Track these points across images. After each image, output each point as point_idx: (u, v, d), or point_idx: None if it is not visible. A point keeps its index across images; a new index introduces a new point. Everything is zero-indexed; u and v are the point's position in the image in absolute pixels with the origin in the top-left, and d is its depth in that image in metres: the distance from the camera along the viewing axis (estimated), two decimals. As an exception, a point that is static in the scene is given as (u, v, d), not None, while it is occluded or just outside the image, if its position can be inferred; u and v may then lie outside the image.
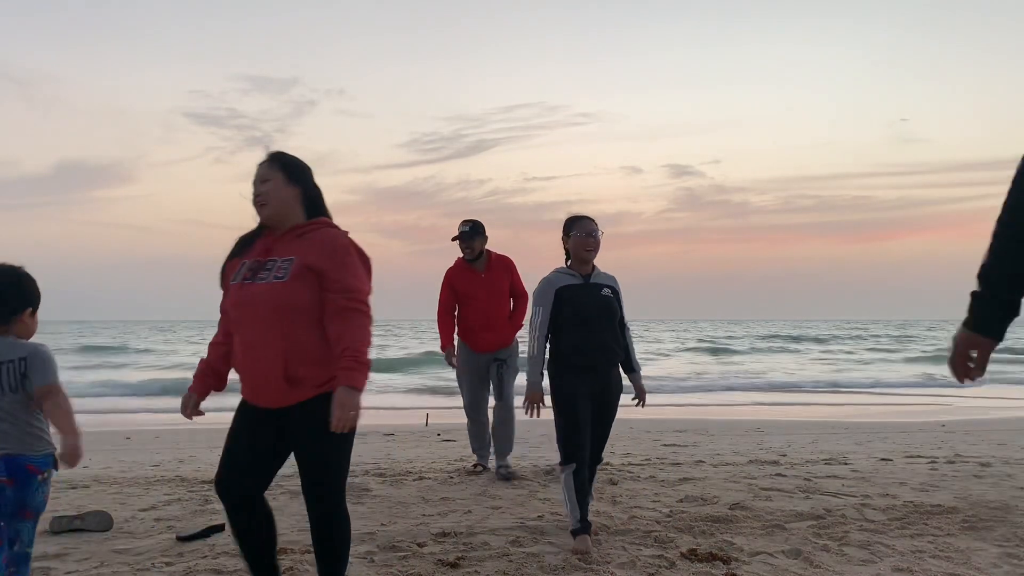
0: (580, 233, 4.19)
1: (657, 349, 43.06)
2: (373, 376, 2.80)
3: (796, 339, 52.23)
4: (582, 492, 4.08)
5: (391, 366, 26.95)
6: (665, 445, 10.05)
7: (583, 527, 4.04)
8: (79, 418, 2.92)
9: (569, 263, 4.29)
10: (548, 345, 4.18)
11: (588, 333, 4.04)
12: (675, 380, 24.70)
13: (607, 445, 4.57)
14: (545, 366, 4.16)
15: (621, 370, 4.30)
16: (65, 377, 2.96)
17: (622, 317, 4.26)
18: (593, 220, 4.27)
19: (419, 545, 4.24)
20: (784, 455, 8.57)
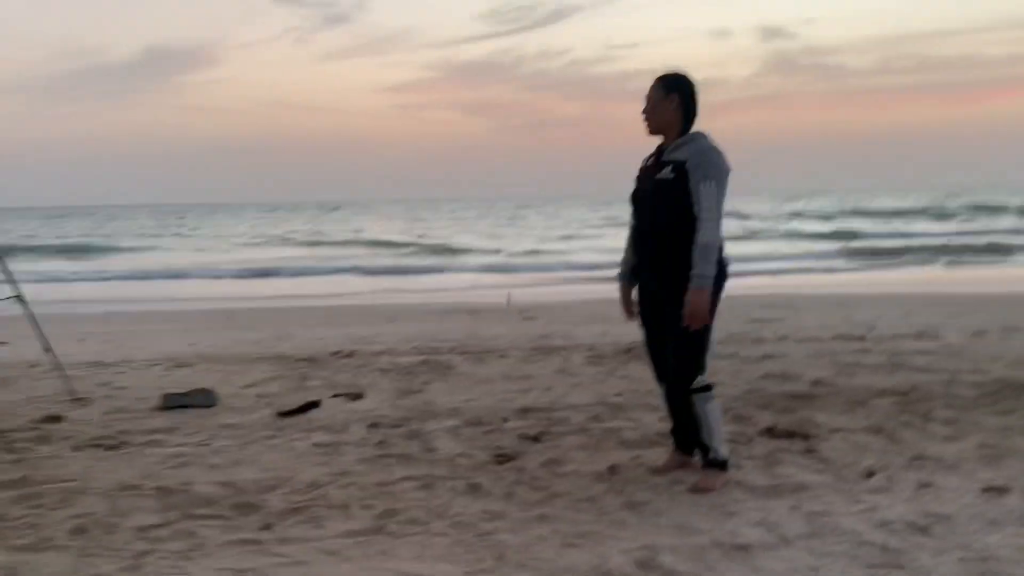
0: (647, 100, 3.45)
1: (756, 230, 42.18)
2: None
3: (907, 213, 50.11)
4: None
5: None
6: (750, 321, 10.03)
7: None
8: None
9: None
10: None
11: (637, 221, 3.50)
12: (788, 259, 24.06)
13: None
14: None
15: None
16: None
17: (690, 204, 3.27)
18: (659, 79, 3.42)
19: (503, 420, 4.41)
20: (873, 329, 8.43)
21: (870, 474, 3.48)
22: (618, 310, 3.67)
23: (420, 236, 37.94)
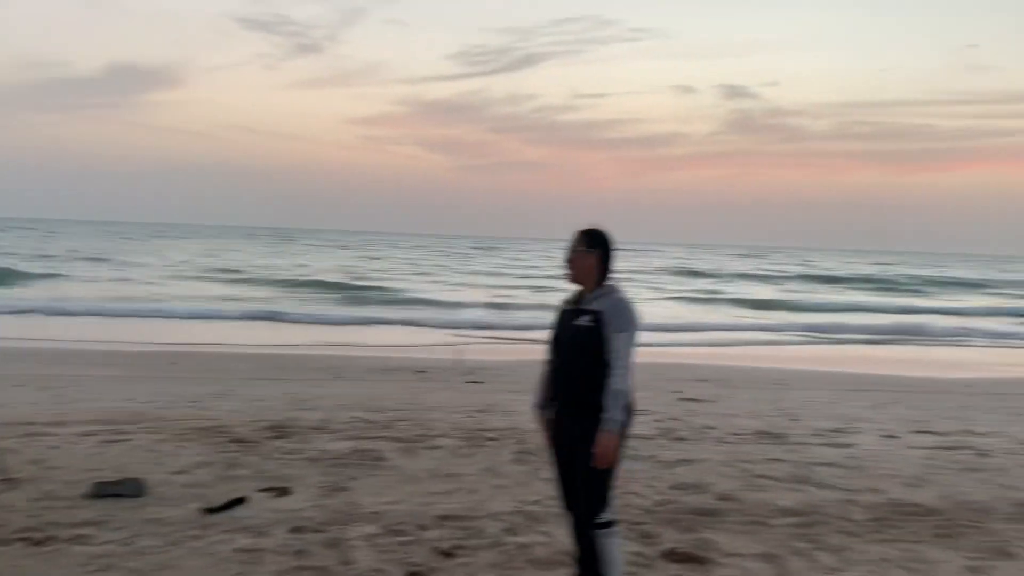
0: (567, 252, 3.72)
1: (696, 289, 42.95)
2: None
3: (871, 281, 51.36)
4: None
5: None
6: (682, 400, 10.35)
7: None
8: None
9: None
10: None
11: (555, 360, 3.72)
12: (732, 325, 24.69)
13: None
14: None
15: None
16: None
17: (604, 351, 3.54)
18: (582, 233, 3.71)
19: (421, 528, 4.61)
20: (796, 420, 8.80)
21: (753, 609, 3.75)
22: None
23: (379, 277, 38.12)
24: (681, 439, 7.21)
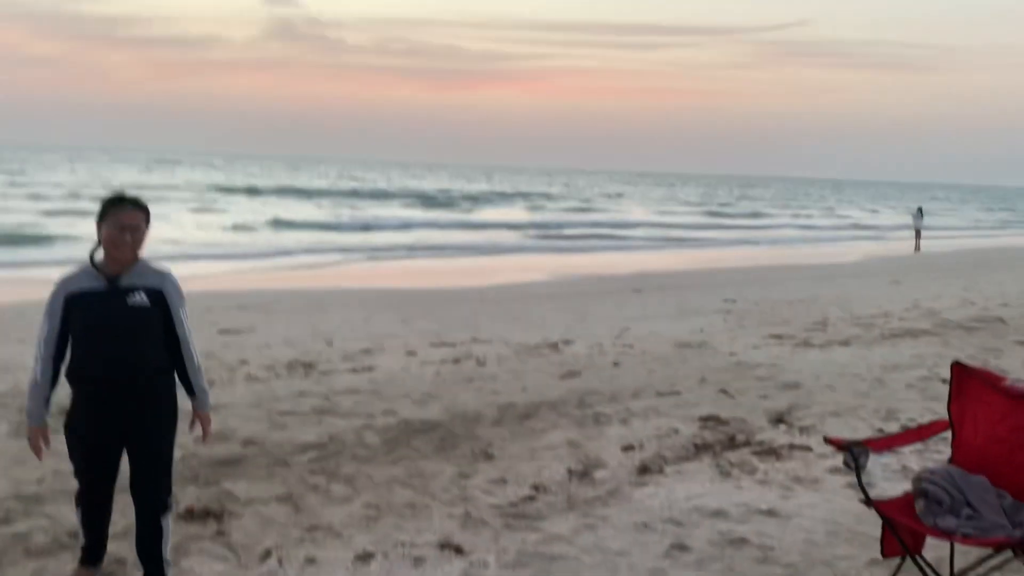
0: (113, 226, 3.34)
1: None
2: None
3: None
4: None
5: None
6: (221, 332, 10.15)
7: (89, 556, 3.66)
8: None
9: (95, 254, 3.43)
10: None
11: (102, 347, 3.38)
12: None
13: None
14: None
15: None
16: None
17: (175, 327, 3.47)
18: (140, 207, 3.41)
19: None
20: (330, 344, 9.21)
21: (267, 554, 3.96)
22: None
23: None
24: (211, 382, 7.12)
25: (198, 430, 3.71)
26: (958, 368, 3.85)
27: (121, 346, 3.37)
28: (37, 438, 3.51)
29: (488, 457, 5.34)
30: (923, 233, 31.62)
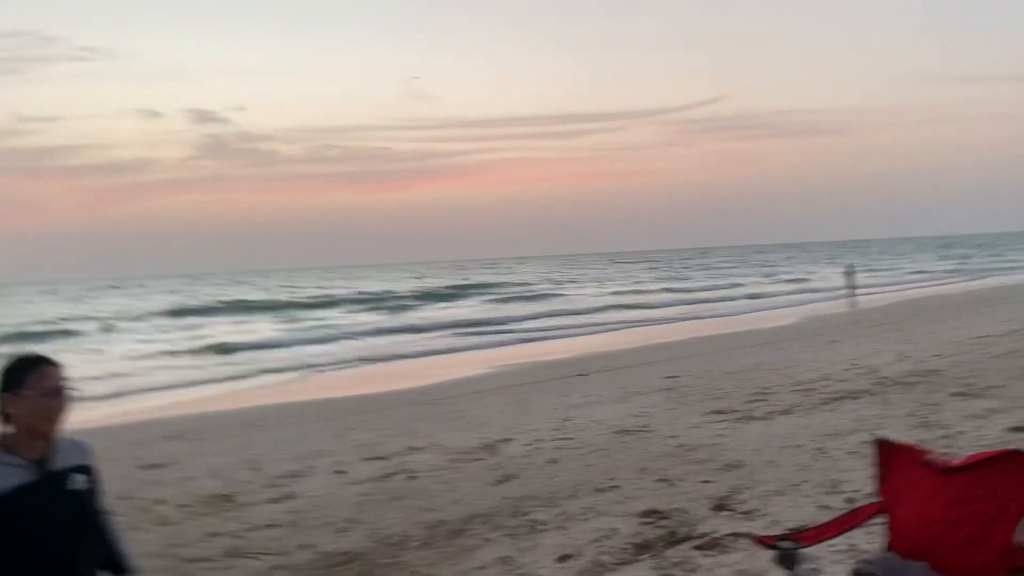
0: (37, 392, 2.65)
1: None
2: None
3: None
4: None
5: None
6: (143, 468, 9.54)
7: None
8: None
9: (6, 436, 2.67)
10: None
11: (47, 555, 2.68)
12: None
13: None
14: None
15: None
16: None
17: (98, 512, 2.83)
18: (57, 366, 2.75)
19: None
20: (257, 469, 8.71)
21: None
22: None
23: None
24: (133, 525, 6.60)
25: None
26: (883, 445, 3.64)
27: (73, 546, 2.70)
28: None
29: (412, 587, 4.94)
30: (857, 290, 32.23)
